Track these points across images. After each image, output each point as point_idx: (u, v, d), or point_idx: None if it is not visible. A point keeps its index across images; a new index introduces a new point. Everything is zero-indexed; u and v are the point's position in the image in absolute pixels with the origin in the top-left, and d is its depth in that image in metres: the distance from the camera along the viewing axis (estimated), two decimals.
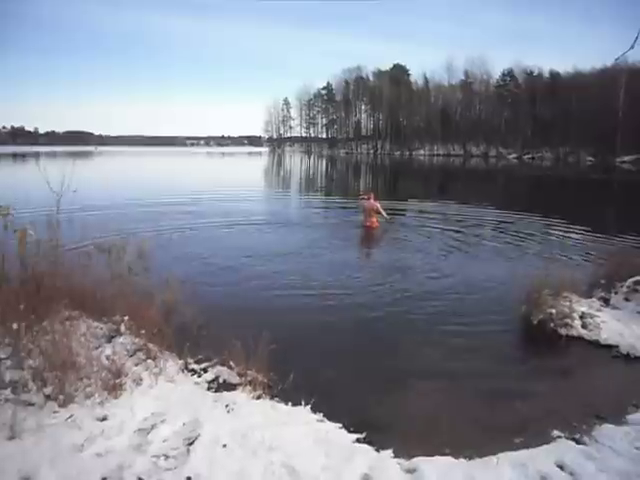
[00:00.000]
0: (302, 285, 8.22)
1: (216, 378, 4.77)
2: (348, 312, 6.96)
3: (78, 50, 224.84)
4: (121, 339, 4.96)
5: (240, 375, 4.71)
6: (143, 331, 5.10)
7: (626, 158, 69.16)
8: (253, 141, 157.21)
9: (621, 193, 30.81)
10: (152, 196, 21.64)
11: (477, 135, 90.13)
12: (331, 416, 4.18)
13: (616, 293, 7.11)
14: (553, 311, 6.18)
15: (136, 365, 4.57)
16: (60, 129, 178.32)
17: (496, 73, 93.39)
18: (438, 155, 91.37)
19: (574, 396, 4.75)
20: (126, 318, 5.26)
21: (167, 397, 4.21)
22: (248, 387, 4.48)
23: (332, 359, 5.50)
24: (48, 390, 3.98)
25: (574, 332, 6.03)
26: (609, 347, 5.77)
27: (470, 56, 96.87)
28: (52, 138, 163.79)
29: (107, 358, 4.52)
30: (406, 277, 8.91)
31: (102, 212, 16.79)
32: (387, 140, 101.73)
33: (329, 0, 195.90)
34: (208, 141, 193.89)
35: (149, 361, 4.66)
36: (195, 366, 4.97)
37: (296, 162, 72.28)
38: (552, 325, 6.12)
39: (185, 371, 4.84)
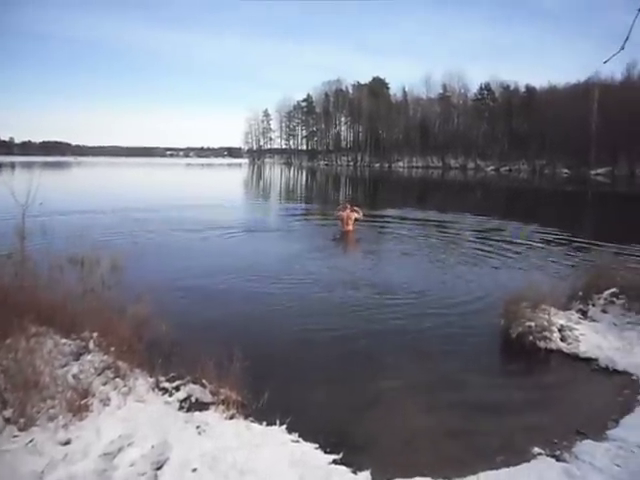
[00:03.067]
0: (280, 299, 8.05)
1: (188, 397, 4.59)
2: (326, 328, 6.78)
3: (55, 59, 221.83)
4: (89, 357, 4.76)
5: (213, 393, 4.54)
6: (113, 348, 4.90)
7: (600, 170, 70.87)
8: (233, 152, 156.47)
9: (599, 204, 31.39)
10: (129, 206, 21.30)
11: (455, 147, 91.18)
12: (307, 436, 4.04)
13: (594, 305, 7.10)
14: (532, 324, 6.14)
15: (104, 384, 4.37)
16: (36, 139, 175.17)
17: (474, 87, 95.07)
18: (417, 167, 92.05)
19: (554, 411, 4.68)
20: (95, 334, 5.06)
21: (136, 418, 4.02)
22: (221, 406, 4.32)
23: (308, 376, 5.35)
24: (8, 413, 3.77)
25: (553, 345, 6.00)
26: (588, 360, 5.74)
27: (448, 70, 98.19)
28: (28, 148, 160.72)
29: (73, 377, 4.32)
30: (383, 289, 8.78)
31: (79, 222, 16.43)
32: (367, 152, 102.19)
33: (309, 14, 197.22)
34: (188, 152, 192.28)
35: (118, 380, 4.46)
36: (166, 384, 4.77)
37: (276, 173, 72.20)
38: (531, 338, 6.07)
39: (156, 390, 4.64)
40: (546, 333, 6.06)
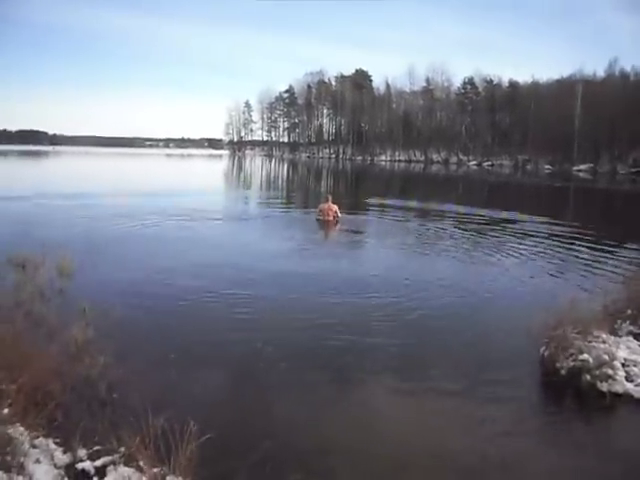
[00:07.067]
0: (265, 319, 6.33)
1: None
2: (326, 366, 5.10)
3: (31, 47, 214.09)
4: None
5: None
6: (7, 408, 3.32)
7: (582, 167, 70.46)
8: (214, 144, 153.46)
9: (591, 200, 30.35)
10: (100, 196, 19.97)
11: (438, 142, 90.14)
12: None
13: None
14: (587, 358, 4.71)
15: None
16: (12, 127, 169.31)
17: (457, 81, 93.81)
18: (399, 161, 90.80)
19: None
20: None
21: None
22: None
23: (300, 456, 3.67)
24: None
25: (618, 387, 4.54)
26: None
27: (432, 63, 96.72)
28: (3, 137, 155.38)
29: None
30: (373, 294, 7.38)
31: (34, 215, 14.73)
32: (349, 145, 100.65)
33: (292, 5, 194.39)
34: (167, 143, 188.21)
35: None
36: (87, 464, 3.20)
37: (257, 165, 70.26)
38: (588, 377, 4.62)
39: (66, 479, 3.07)
40: (607, 370, 4.61)
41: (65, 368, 4.37)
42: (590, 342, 4.91)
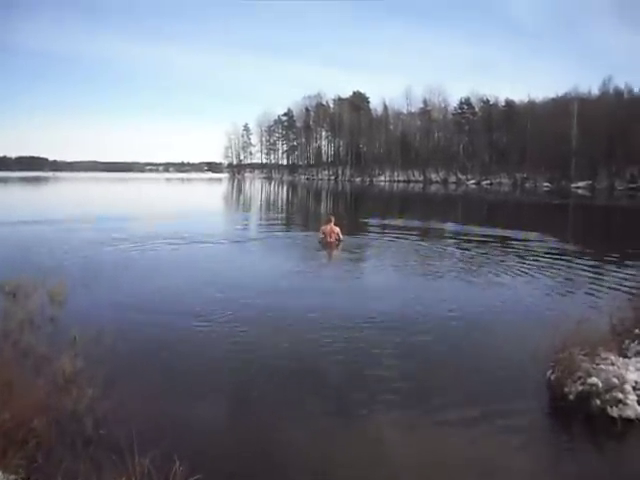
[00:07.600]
0: (260, 344, 6.07)
1: None
2: (326, 395, 4.88)
3: (31, 74, 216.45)
4: None
5: None
6: None
7: (580, 184, 70.76)
8: (213, 167, 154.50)
9: (593, 216, 30.26)
10: (98, 220, 19.84)
11: (436, 161, 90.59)
12: None
13: None
14: (596, 381, 4.51)
15: None
16: (12, 154, 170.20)
17: (454, 101, 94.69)
18: (398, 181, 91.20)
19: None
20: None
21: None
22: None
23: None
24: None
25: (630, 412, 4.32)
26: None
27: (428, 85, 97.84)
28: (3, 163, 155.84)
29: None
30: (375, 319, 7.08)
31: (31, 240, 14.52)
32: (348, 166, 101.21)
33: (290, 29, 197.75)
34: (167, 167, 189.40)
35: None
36: None
37: (256, 188, 70.39)
38: (598, 402, 4.41)
39: None
40: (618, 394, 4.40)
41: (51, 402, 4.19)
42: (598, 364, 4.71)
